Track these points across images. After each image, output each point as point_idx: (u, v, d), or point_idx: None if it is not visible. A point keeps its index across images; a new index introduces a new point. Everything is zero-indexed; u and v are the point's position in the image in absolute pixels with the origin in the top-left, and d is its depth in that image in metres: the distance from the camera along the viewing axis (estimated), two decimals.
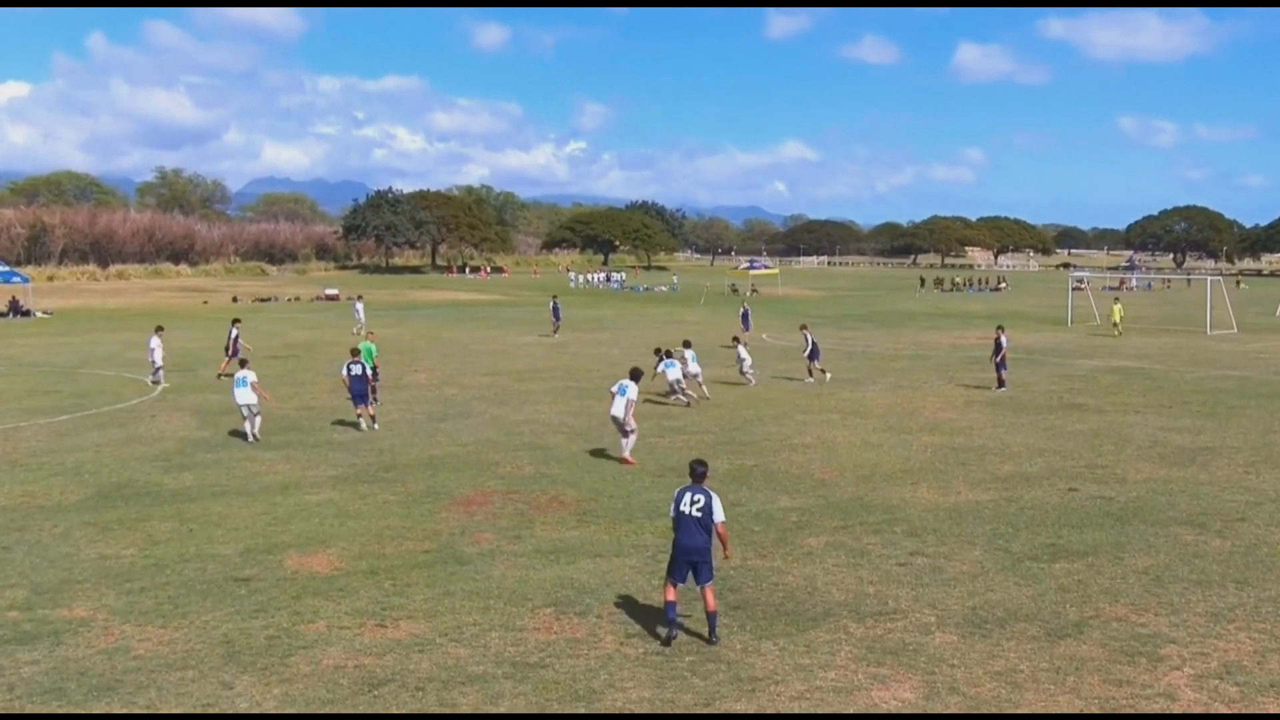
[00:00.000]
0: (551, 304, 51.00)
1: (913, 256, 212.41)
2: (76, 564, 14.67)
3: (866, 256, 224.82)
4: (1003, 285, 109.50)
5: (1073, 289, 66.49)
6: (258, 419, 23.35)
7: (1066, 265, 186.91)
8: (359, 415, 24.68)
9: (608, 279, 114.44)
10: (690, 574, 11.92)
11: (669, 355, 29.18)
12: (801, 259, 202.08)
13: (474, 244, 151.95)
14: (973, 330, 54.09)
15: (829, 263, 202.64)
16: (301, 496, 18.31)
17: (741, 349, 33.25)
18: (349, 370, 24.52)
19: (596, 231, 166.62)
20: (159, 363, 32.17)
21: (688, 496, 11.96)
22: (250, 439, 23.00)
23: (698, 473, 12.19)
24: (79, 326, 55.32)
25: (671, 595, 11.95)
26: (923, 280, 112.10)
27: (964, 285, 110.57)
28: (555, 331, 49.05)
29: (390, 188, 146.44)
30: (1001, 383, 30.98)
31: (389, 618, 12.60)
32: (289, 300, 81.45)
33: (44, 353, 42.01)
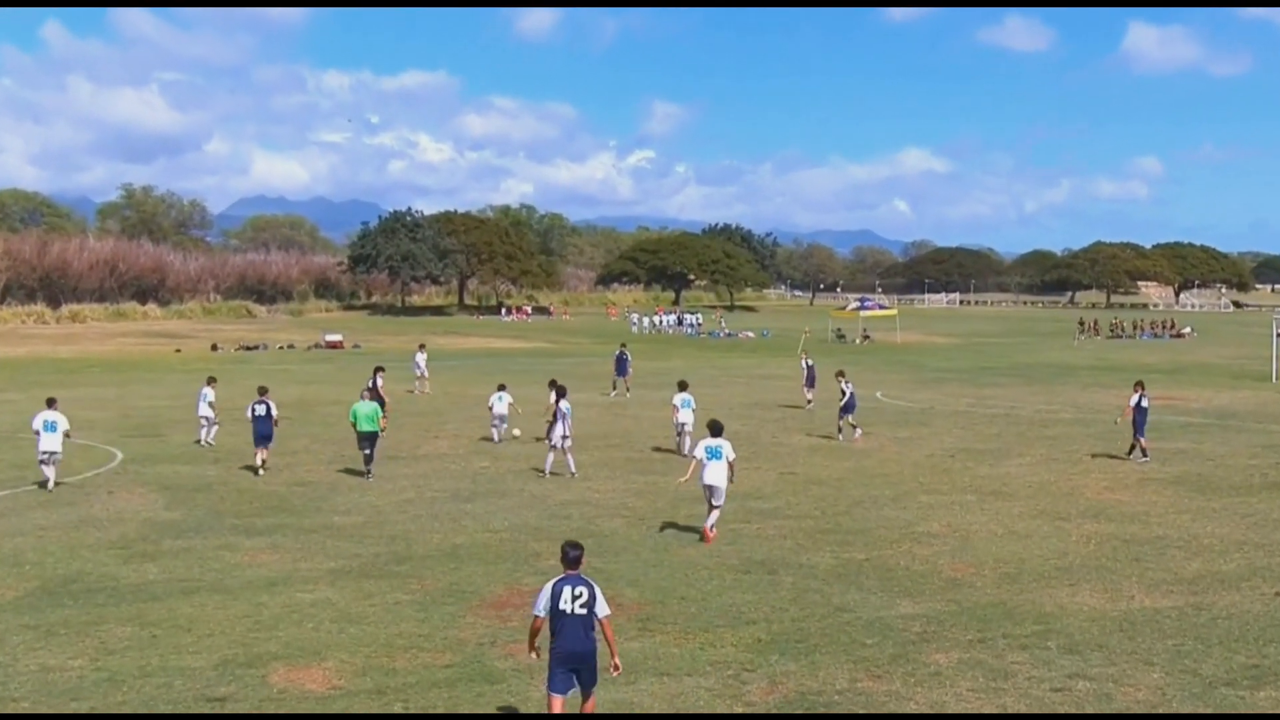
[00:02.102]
0: (618, 354, 51.15)
1: (1069, 293, 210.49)
2: (12, 677, 14.82)
3: (1010, 294, 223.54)
4: (1187, 331, 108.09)
5: (1278, 335, 65.34)
6: (54, 469, 26.99)
7: (1239, 305, 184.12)
8: (259, 459, 29.26)
9: (679, 321, 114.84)
10: (574, 680, 12.19)
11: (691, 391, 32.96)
12: (927, 296, 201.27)
13: (512, 278, 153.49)
14: (1150, 389, 53.16)
15: (961, 301, 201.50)
16: (292, 595, 18.41)
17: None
18: (253, 411, 29.79)
19: (666, 262, 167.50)
20: (213, 417, 34.56)
21: (567, 590, 12.10)
22: (51, 486, 26.59)
23: (571, 558, 12.36)
24: (22, 380, 56.52)
25: (558, 708, 12.19)
26: (1082, 324, 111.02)
27: (1136, 330, 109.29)
28: (615, 389, 49.33)
29: (409, 209, 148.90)
30: (1140, 450, 31.73)
31: None
32: (281, 348, 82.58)
33: None
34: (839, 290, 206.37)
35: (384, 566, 20.21)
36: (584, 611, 12.02)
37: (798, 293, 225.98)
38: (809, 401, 44.36)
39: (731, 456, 21.86)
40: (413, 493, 26.75)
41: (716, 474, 21.63)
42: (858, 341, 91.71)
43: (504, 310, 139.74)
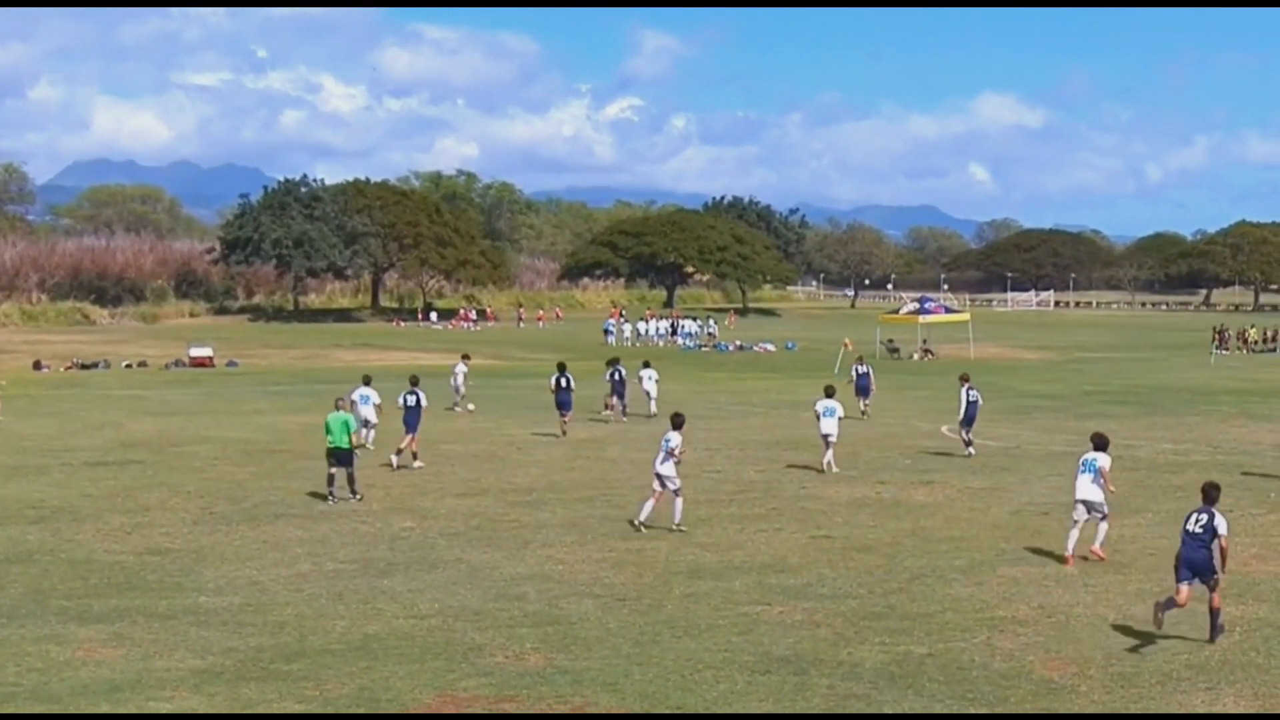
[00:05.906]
0: (612, 372, 51.13)
1: (1203, 291, 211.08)
2: None
3: (1123, 291, 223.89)
4: None
5: None
6: None
7: None
8: (406, 446, 38.25)
9: (673, 331, 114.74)
10: (1194, 578, 20.50)
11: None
12: (1010, 295, 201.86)
13: (445, 271, 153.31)
14: None
15: (1057, 301, 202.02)
16: (142, 704, 18.27)
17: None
18: (404, 401, 38.99)
19: (654, 249, 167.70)
20: (375, 420, 41.83)
21: (1194, 516, 20.79)
22: None
23: (1210, 496, 21.14)
24: None
25: (1184, 593, 20.40)
26: (1221, 332, 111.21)
27: None
28: (621, 411, 50.68)
29: (305, 176, 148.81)
30: None
31: None
32: (128, 366, 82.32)
33: None
34: (890, 287, 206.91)
35: (268, 665, 20.07)
36: (1200, 531, 20.60)
37: (837, 291, 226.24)
38: (863, 412, 51.71)
39: (1106, 466, 26.88)
40: (309, 564, 26.59)
41: (1086, 488, 26.48)
42: (915, 357, 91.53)
43: (432, 314, 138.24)
